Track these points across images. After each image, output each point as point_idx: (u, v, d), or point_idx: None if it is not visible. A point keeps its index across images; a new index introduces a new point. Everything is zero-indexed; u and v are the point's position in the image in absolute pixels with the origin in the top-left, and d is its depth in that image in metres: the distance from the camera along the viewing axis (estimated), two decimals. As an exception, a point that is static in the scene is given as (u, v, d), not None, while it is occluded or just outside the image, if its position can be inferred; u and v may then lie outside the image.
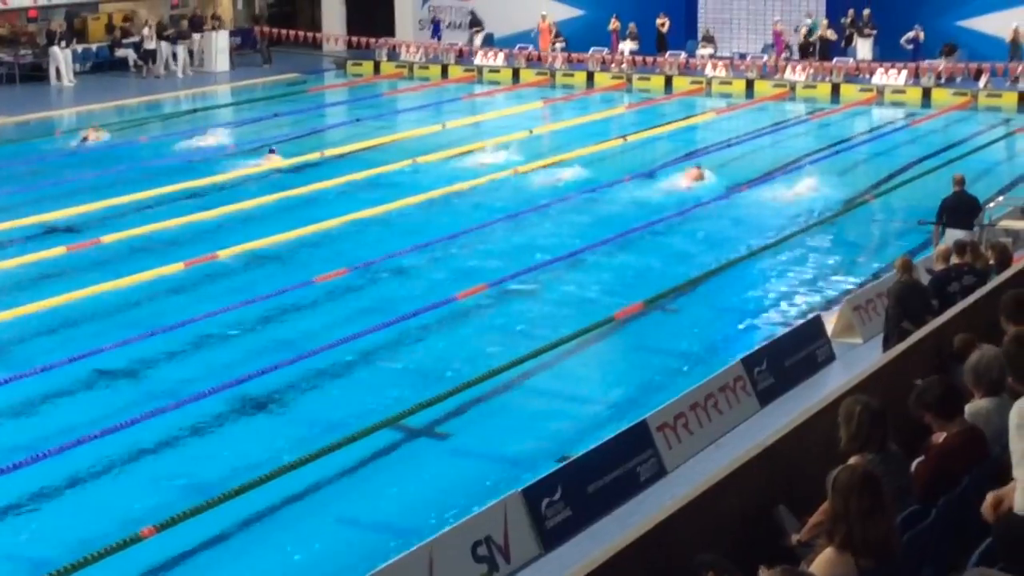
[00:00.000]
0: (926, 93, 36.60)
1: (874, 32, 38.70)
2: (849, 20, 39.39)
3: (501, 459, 13.67)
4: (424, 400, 14.63)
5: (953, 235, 18.11)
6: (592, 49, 41.09)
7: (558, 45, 42.30)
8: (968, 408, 7.62)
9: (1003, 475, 6.00)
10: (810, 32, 39.67)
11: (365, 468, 13.36)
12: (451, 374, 15.71)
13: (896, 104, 36.39)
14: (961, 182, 19.19)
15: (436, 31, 44.55)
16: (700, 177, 26.16)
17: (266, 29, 44.32)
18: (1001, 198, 20.69)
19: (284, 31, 44.18)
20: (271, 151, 28.86)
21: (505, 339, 17.15)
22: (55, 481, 12.87)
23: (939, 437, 7.51)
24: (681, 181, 26.21)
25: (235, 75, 41.79)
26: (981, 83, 36.25)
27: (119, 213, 23.51)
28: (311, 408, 15.12)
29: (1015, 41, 37.07)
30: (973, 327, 10.17)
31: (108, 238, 21.72)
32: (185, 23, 42.45)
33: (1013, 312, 7.83)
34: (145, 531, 11.27)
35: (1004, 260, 14.65)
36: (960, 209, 18.80)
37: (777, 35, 40.12)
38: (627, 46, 41.07)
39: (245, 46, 45.06)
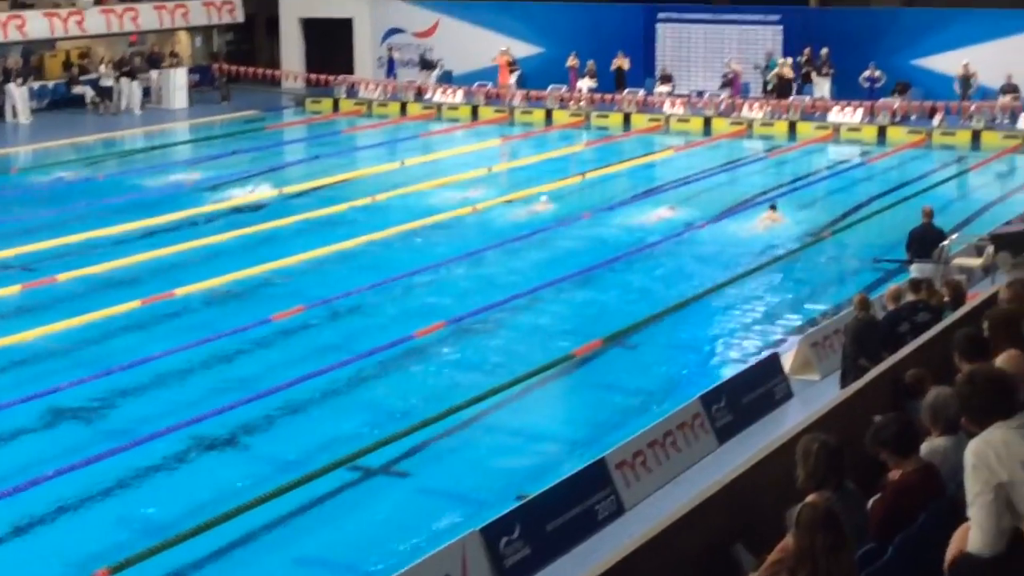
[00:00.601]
0: (881, 131, 36.88)
1: (832, 71, 39.01)
2: (805, 59, 39.70)
3: (459, 497, 13.64)
4: (382, 438, 14.60)
5: (920, 266, 18.46)
6: (551, 87, 41.24)
7: (513, 76, 42.41)
8: (925, 447, 7.65)
9: (959, 513, 6.02)
10: (768, 70, 39.95)
11: (323, 507, 13.30)
12: (409, 412, 15.67)
13: (852, 142, 36.66)
14: (930, 214, 19.88)
15: (391, 69, 44.56)
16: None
17: (224, 66, 44.24)
18: (955, 235, 20.87)
19: (243, 68, 44.12)
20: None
21: (464, 377, 17.14)
22: (9, 522, 12.74)
23: (895, 474, 7.53)
24: (653, 216, 26.49)
25: (193, 112, 41.68)
26: (935, 121, 36.57)
27: (75, 251, 23.36)
28: (269, 446, 15.05)
29: (965, 77, 37.45)
30: (929, 364, 10.22)
31: (63, 276, 21.59)
32: (139, 59, 42.31)
33: (966, 350, 7.86)
34: (100, 573, 11.16)
35: (958, 297, 14.78)
36: (926, 240, 19.40)
37: (735, 74, 40.34)
38: (586, 84, 41.26)
39: (203, 83, 44.98)
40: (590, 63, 41.56)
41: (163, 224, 25.63)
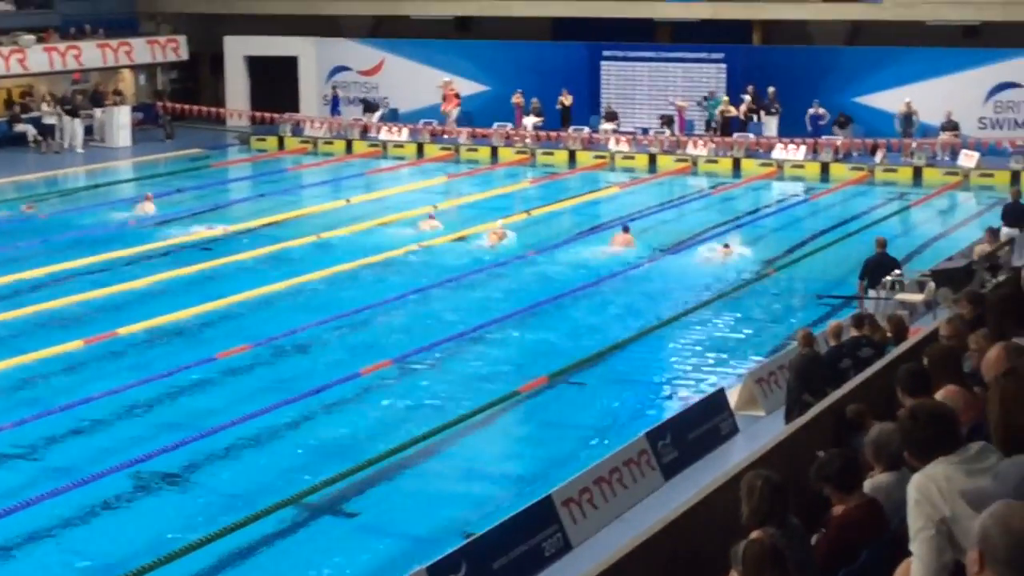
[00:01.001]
0: (824, 168, 37.21)
1: (780, 110, 39.28)
2: (750, 97, 39.99)
3: (406, 536, 13.60)
4: (328, 477, 14.52)
5: (876, 294, 19.40)
6: (496, 124, 41.35)
7: (455, 112, 42.46)
8: (868, 483, 7.69)
9: (902, 548, 6.05)
10: (712, 108, 40.26)
11: (269, 546, 13.22)
12: (356, 450, 15.61)
13: (796, 178, 36.93)
14: (883, 244, 20.93)
15: (335, 107, 44.49)
16: (629, 243, 26.71)
17: (168, 104, 44.10)
18: (898, 271, 21.05)
19: (187, 106, 44.02)
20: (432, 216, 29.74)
21: (410, 415, 17.10)
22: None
23: (839, 510, 7.57)
24: (610, 247, 26.65)
25: (137, 150, 41.43)
26: (877, 158, 36.94)
27: (17, 290, 23.19)
28: (214, 486, 14.94)
29: (907, 115, 37.85)
30: (871, 399, 10.28)
31: (5, 315, 21.39)
32: (80, 97, 42.08)
33: (908, 385, 7.92)
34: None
35: (900, 332, 14.89)
36: (880, 270, 20.23)
37: (678, 111, 40.61)
38: (531, 121, 41.40)
39: (147, 121, 44.78)
40: (535, 100, 41.71)
41: (106, 262, 25.46)
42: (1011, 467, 4.82)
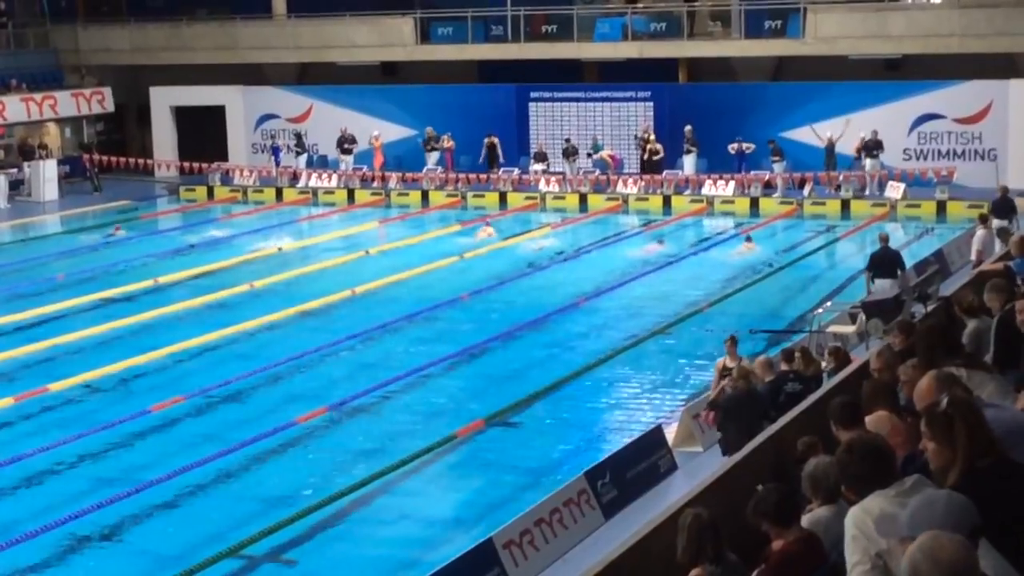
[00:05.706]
0: (754, 202, 37.51)
1: (695, 148, 39.48)
2: (648, 136, 40.08)
3: (347, 585, 13.52)
4: (267, 526, 14.42)
5: (882, 285, 20.31)
6: (426, 168, 41.40)
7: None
8: (807, 517, 7.71)
9: (841, 581, 6.10)
10: (596, 150, 40.63)
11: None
12: (294, 499, 15.52)
13: (726, 214, 37.19)
14: (886, 239, 22.37)
15: (276, 156, 44.14)
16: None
17: (96, 157, 43.77)
18: (829, 303, 21.22)
19: (115, 158, 43.72)
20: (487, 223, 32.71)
21: (347, 462, 17.03)
22: None
23: (778, 545, 7.59)
24: (531, 293, 26.71)
25: (64, 204, 41.12)
26: (805, 191, 37.27)
27: (-55, 348, 22.88)
28: (152, 539, 14.83)
29: (829, 148, 38.23)
30: (809, 432, 10.33)
31: (-67, 374, 21.13)
32: (2, 153, 41.65)
33: (841, 418, 7.98)
34: None
35: (843, 363, 14.96)
36: (885, 262, 21.46)
37: (611, 159, 40.82)
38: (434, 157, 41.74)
39: (75, 174, 44.43)
40: (441, 136, 41.90)
41: (35, 318, 25.17)
42: (923, 509, 4.86)
